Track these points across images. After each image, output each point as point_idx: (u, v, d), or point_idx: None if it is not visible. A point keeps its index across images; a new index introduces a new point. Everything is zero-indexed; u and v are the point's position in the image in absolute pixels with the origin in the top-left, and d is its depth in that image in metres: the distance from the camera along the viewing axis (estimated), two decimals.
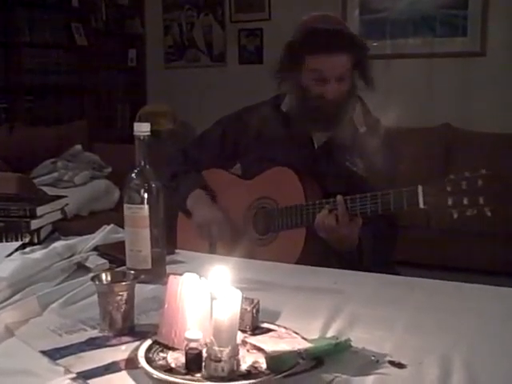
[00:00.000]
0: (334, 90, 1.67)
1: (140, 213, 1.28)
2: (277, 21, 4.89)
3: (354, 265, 1.51)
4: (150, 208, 1.29)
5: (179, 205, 1.87)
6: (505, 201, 1.38)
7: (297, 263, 1.55)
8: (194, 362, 0.88)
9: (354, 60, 1.68)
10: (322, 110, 1.70)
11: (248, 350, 0.95)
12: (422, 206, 1.42)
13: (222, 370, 0.86)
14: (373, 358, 0.95)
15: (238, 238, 1.76)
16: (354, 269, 1.44)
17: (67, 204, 1.71)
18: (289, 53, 1.72)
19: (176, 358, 0.92)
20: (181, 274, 0.99)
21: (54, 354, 0.95)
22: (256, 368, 0.89)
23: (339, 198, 1.54)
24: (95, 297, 1.09)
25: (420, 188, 1.43)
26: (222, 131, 1.94)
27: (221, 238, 1.77)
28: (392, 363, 0.93)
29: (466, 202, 1.36)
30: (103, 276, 1.09)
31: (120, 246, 1.38)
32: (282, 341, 0.98)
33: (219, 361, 0.86)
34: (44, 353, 0.96)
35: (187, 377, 0.87)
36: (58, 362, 0.93)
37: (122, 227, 1.42)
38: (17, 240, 1.52)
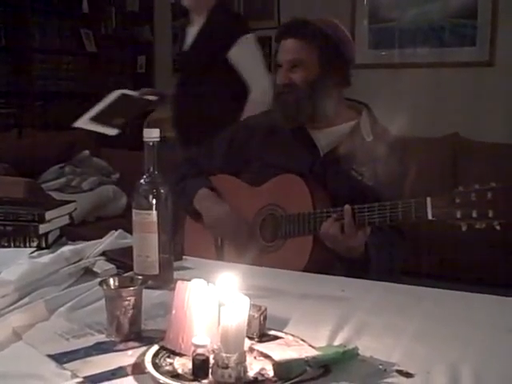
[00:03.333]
0: (283, 75, 1.75)
1: (148, 218, 1.29)
2: None
3: (361, 273, 1.51)
4: (158, 214, 1.29)
5: (186, 206, 1.87)
6: None
7: (304, 270, 1.55)
8: (201, 368, 0.88)
9: (318, 53, 1.71)
10: (278, 98, 1.78)
11: (255, 357, 0.95)
12: (430, 217, 1.42)
13: (229, 377, 0.86)
14: (380, 366, 0.94)
15: (245, 242, 1.76)
16: (362, 277, 1.43)
17: (75, 209, 1.71)
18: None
19: (183, 364, 0.92)
20: (188, 280, 0.99)
21: (60, 358, 0.95)
22: (263, 375, 0.89)
23: (347, 207, 1.54)
24: (102, 302, 1.09)
25: (429, 199, 1.42)
26: (229, 139, 1.95)
27: (231, 231, 1.77)
28: (400, 372, 0.93)
29: (474, 214, 1.35)
30: (111, 281, 1.09)
31: (128, 251, 1.38)
32: (289, 348, 0.98)
33: (226, 367, 0.86)
34: (51, 357, 0.96)
35: (194, 383, 0.87)
36: (64, 366, 0.93)
37: (130, 233, 1.43)
38: (25, 244, 1.53)
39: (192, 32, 2.71)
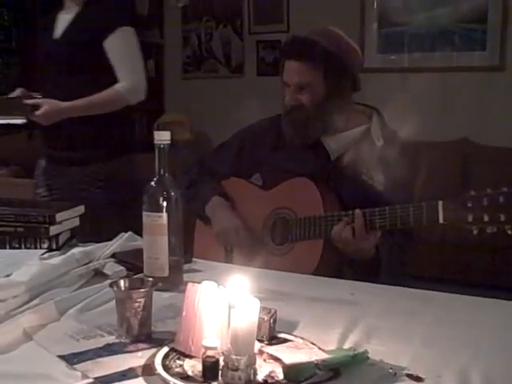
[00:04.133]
0: (292, 98, 1.74)
1: (158, 221, 1.29)
2: (295, 33, 4.90)
3: (372, 276, 1.51)
4: (168, 216, 1.29)
5: (198, 212, 1.88)
6: None
7: (314, 274, 1.55)
8: (210, 370, 0.88)
9: (323, 73, 1.70)
10: (289, 117, 1.78)
11: (265, 360, 0.95)
12: (441, 221, 1.41)
13: (239, 379, 0.86)
14: (390, 370, 0.94)
15: (255, 246, 1.77)
16: (372, 280, 1.43)
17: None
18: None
19: (193, 366, 0.92)
20: (198, 282, 0.99)
21: (71, 359, 0.96)
22: (273, 378, 0.89)
23: (357, 211, 1.54)
24: (112, 303, 1.10)
25: (440, 203, 1.42)
26: (239, 143, 1.95)
27: (239, 244, 1.78)
28: (410, 376, 0.92)
29: (486, 218, 1.35)
30: (121, 283, 1.09)
31: (137, 253, 1.38)
32: (299, 351, 0.98)
33: (236, 369, 0.86)
34: (61, 357, 0.97)
35: None
36: (75, 366, 0.93)
37: (139, 235, 1.43)
38: (35, 245, 1.54)
39: (65, 19, 2.45)
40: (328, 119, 1.74)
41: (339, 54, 1.72)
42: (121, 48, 2.38)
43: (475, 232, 1.36)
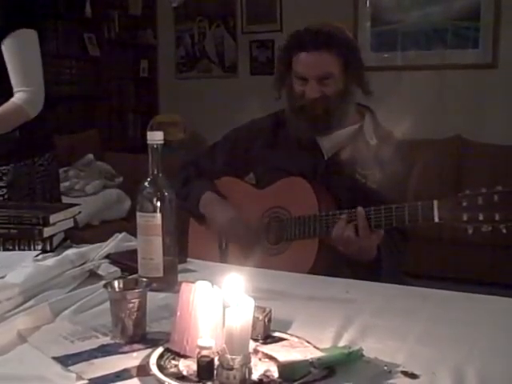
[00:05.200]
0: (314, 90, 1.70)
1: (152, 221, 1.29)
2: (288, 32, 4.90)
3: (372, 276, 1.50)
4: (162, 216, 1.29)
5: (191, 210, 1.87)
6: None
7: (309, 273, 1.55)
8: (205, 370, 0.88)
9: (343, 62, 1.70)
10: (305, 110, 1.73)
11: (260, 359, 0.95)
12: (437, 220, 1.42)
13: (234, 378, 0.86)
14: (385, 368, 0.94)
15: (250, 244, 1.76)
16: (366, 279, 1.43)
17: (79, 212, 1.72)
18: (281, 56, 1.80)
19: (188, 366, 0.92)
20: (193, 282, 0.99)
21: (66, 361, 0.96)
22: (268, 377, 0.89)
23: (360, 210, 1.53)
24: (107, 304, 1.10)
25: (435, 202, 1.42)
26: (232, 142, 1.95)
27: (237, 236, 1.78)
28: (405, 373, 0.92)
29: (481, 217, 1.35)
30: (116, 283, 1.09)
31: (132, 254, 1.38)
32: (293, 350, 0.98)
33: (231, 369, 0.86)
34: (56, 359, 0.96)
35: None
36: (70, 368, 0.93)
37: (133, 236, 1.43)
38: (29, 247, 1.53)
39: None
40: (346, 111, 1.74)
41: (354, 43, 1.74)
42: (18, 53, 2.11)
43: (470, 231, 1.37)
